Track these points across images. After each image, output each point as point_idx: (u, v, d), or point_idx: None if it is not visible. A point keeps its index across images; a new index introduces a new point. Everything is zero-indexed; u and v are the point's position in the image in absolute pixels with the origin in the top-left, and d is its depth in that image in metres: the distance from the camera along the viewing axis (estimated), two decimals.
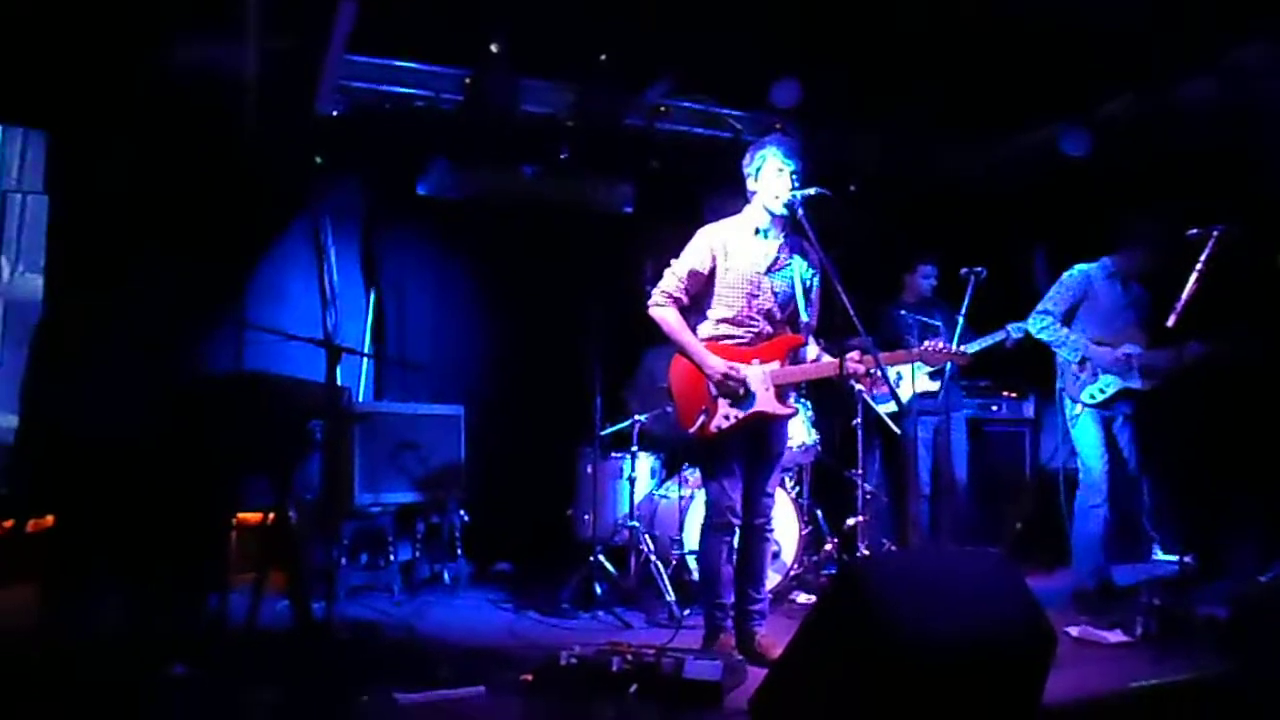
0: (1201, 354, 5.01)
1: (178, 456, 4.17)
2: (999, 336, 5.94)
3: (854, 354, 4.16)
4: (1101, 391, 5.21)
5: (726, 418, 4.22)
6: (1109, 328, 5.25)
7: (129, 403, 4.39)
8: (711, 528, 4.35)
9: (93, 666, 3.67)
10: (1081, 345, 5.26)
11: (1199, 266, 4.83)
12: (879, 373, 4.11)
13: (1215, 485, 5.48)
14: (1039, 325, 5.37)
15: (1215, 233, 4.78)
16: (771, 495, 4.46)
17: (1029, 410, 7.01)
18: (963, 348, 4.50)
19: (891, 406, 6.09)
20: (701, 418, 4.23)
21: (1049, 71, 5.77)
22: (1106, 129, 6.27)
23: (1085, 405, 5.24)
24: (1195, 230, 4.83)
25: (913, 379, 6.16)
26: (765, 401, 4.23)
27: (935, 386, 6.18)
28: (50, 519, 4.44)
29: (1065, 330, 5.31)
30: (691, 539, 5.40)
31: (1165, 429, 5.24)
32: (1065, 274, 5.43)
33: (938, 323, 6.08)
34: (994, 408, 6.99)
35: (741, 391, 4.21)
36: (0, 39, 4.97)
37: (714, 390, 4.23)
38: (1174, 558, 5.41)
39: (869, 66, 5.89)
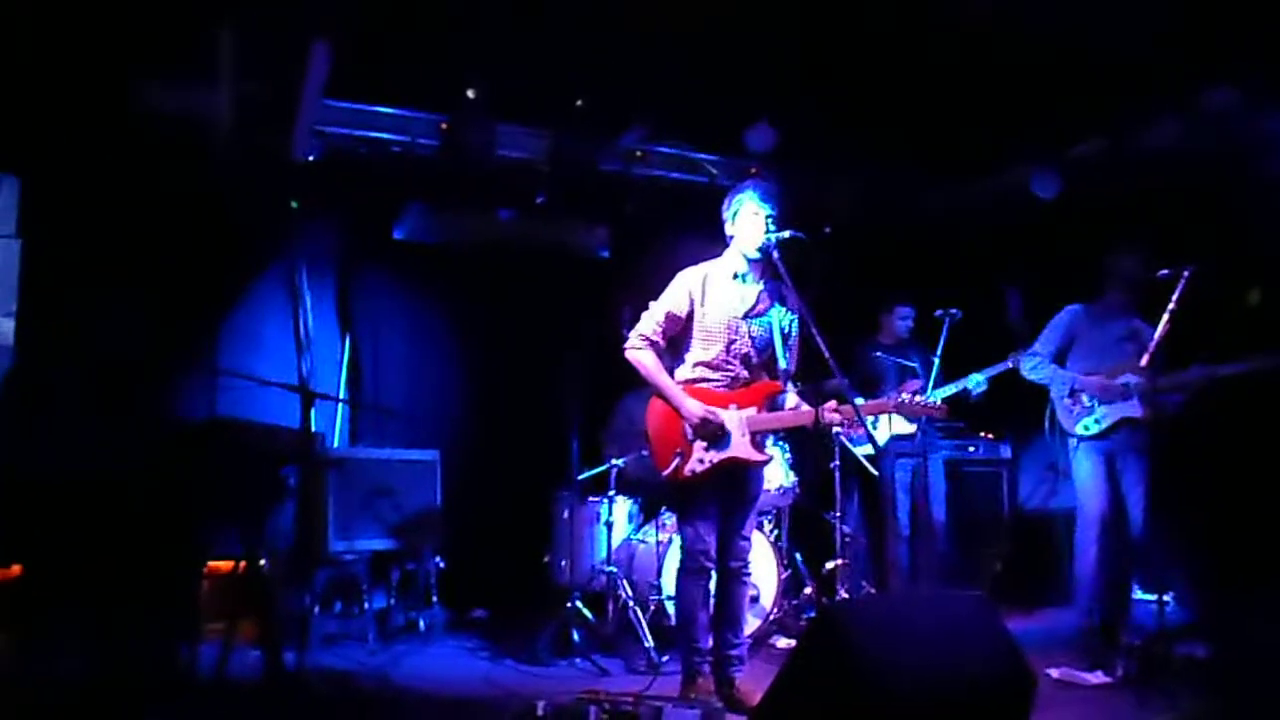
0: (1205, 375, 4.93)
1: (148, 503, 4.12)
2: (962, 385, 5.94)
3: (831, 404, 4.14)
4: (1097, 423, 5.12)
5: (701, 461, 4.21)
6: (1104, 362, 5.19)
7: (100, 449, 4.34)
8: (687, 572, 4.31)
9: (61, 717, 3.59)
10: (1069, 378, 5.24)
11: (1170, 306, 4.89)
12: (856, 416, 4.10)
13: (1203, 524, 5.47)
14: (1029, 365, 5.38)
15: (1186, 273, 4.84)
16: (748, 539, 4.43)
17: (1006, 451, 7.04)
18: (936, 400, 4.50)
19: (869, 449, 6.09)
20: (676, 460, 4.22)
21: (1021, 114, 5.86)
22: (1079, 171, 6.35)
23: (1081, 439, 5.17)
24: (1166, 270, 4.89)
25: (889, 421, 6.16)
26: (740, 447, 4.22)
27: (912, 429, 6.18)
28: (17, 568, 4.37)
29: (1053, 366, 5.30)
30: (670, 584, 5.35)
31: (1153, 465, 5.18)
32: (1057, 314, 5.44)
33: (914, 364, 6.11)
34: (971, 449, 7.01)
35: (716, 431, 4.19)
36: None
37: (690, 433, 4.22)
38: (1153, 596, 5.38)
39: (843, 110, 5.97)
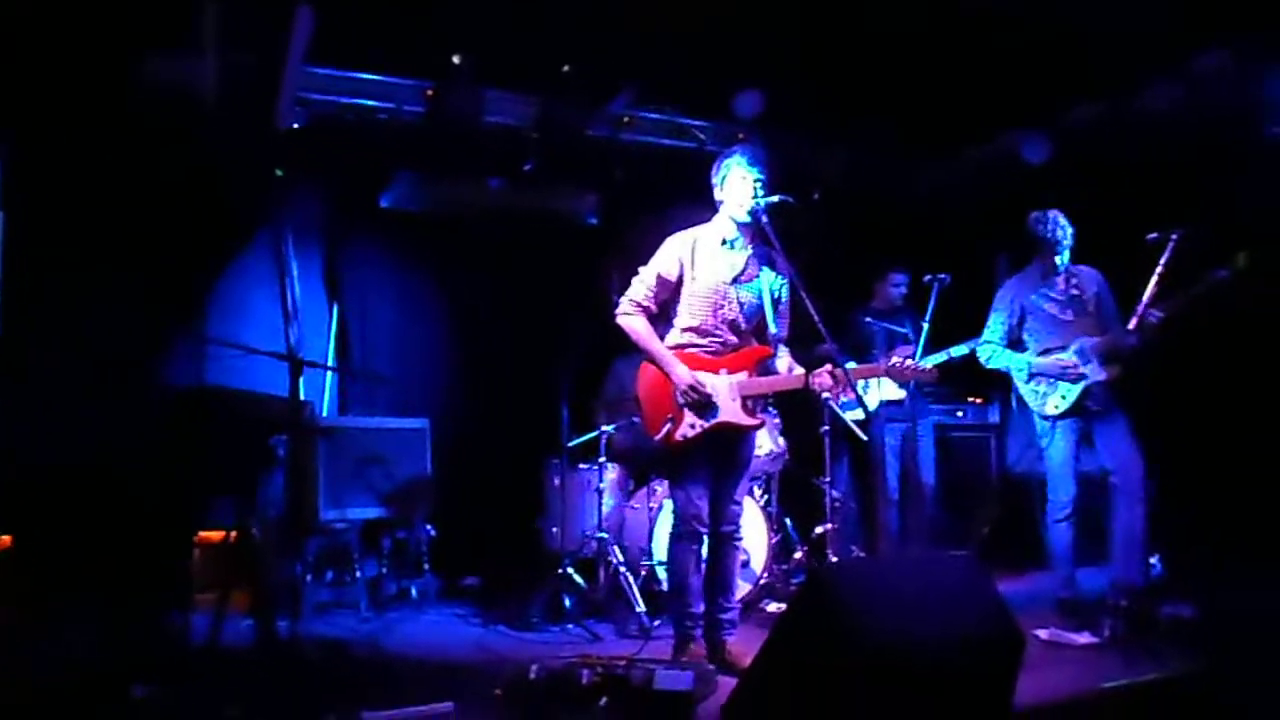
0: (1162, 318, 4.89)
1: (138, 474, 4.11)
2: (946, 354, 5.94)
3: (824, 368, 4.15)
4: (1064, 399, 5.09)
5: (692, 426, 4.21)
6: (1056, 332, 5.16)
7: (88, 420, 4.33)
8: (678, 536, 4.33)
9: (53, 688, 3.59)
10: (1024, 362, 5.20)
11: (1158, 270, 4.89)
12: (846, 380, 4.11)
13: (1182, 484, 5.50)
14: (984, 356, 5.35)
15: (1174, 237, 4.84)
16: (739, 503, 4.45)
17: (994, 416, 7.07)
18: (925, 363, 4.50)
19: (859, 413, 6.11)
20: (667, 425, 4.22)
21: (1013, 80, 5.82)
22: (1070, 137, 6.33)
23: (1053, 419, 5.14)
24: (1155, 234, 4.88)
25: (879, 386, 6.17)
26: (731, 412, 4.23)
27: (901, 394, 6.20)
28: (8, 539, 4.36)
29: (1006, 352, 5.27)
30: (661, 549, 5.38)
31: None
32: (995, 297, 5.40)
33: (905, 330, 6.12)
34: (959, 414, 7.04)
35: (704, 400, 4.20)
36: None
37: (680, 399, 4.22)
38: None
39: (833, 76, 5.93)
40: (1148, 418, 5.06)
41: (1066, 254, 5.18)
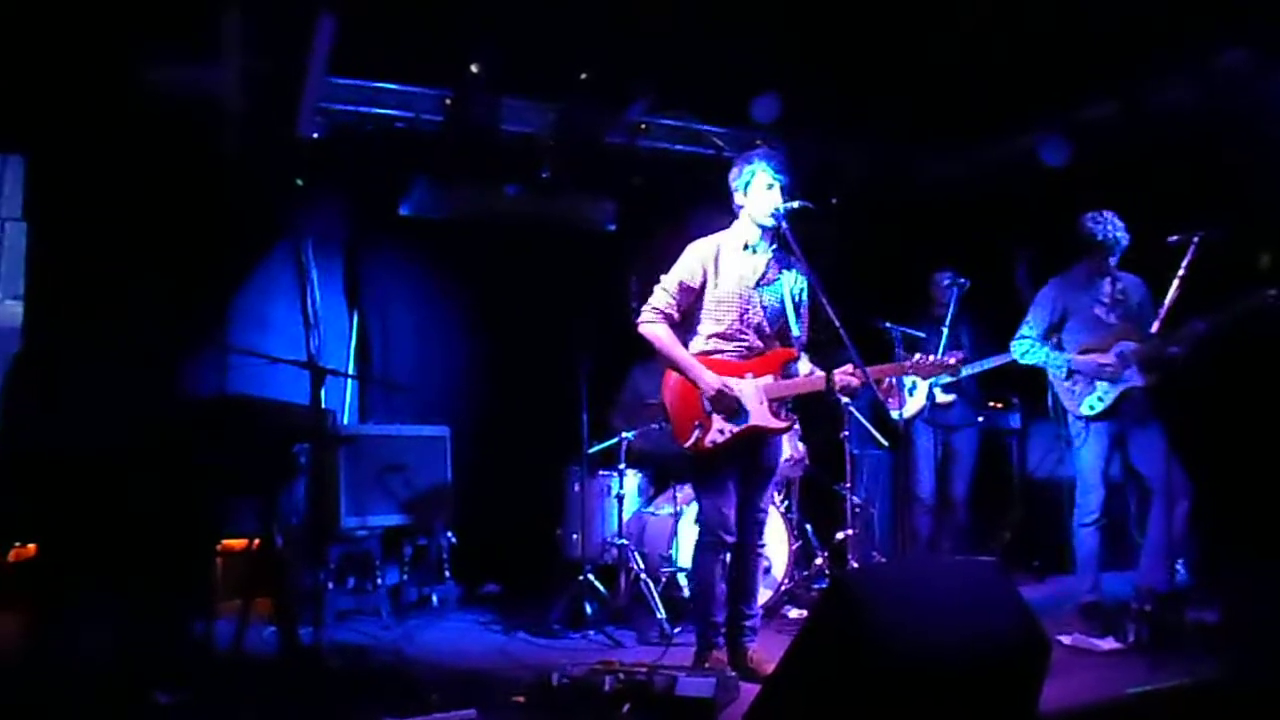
0: (1206, 329, 4.83)
1: (162, 482, 4.13)
2: (980, 365, 5.92)
3: (845, 368, 4.14)
4: (1100, 400, 5.05)
5: (721, 432, 4.20)
6: (1096, 332, 5.12)
7: (112, 428, 4.35)
8: (704, 546, 4.31)
9: (77, 695, 3.61)
10: (1064, 359, 5.16)
11: (1181, 272, 4.84)
12: (892, 383, 4.11)
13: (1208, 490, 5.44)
14: (1020, 350, 5.29)
15: (1196, 238, 4.80)
16: (765, 512, 4.45)
17: (1015, 421, 7.02)
18: (950, 357, 4.48)
19: (910, 409, 6.08)
20: (696, 432, 4.21)
21: (1030, 77, 5.79)
22: (1089, 134, 6.29)
23: (1088, 420, 5.09)
24: (1176, 236, 4.84)
25: (928, 393, 6.12)
26: (759, 415, 4.22)
27: (949, 399, 6.18)
28: (33, 547, 4.39)
29: (1044, 348, 5.22)
30: (681, 556, 5.38)
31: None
32: (1040, 292, 5.36)
33: (921, 334, 6.08)
34: (980, 419, 7.00)
35: (734, 405, 4.19)
36: None
37: (708, 405, 4.22)
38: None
39: (849, 78, 5.92)
40: (1181, 425, 5.00)
41: (1118, 257, 5.14)
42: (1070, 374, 5.15)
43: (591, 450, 5.79)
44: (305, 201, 6.26)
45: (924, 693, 2.79)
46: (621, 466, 5.73)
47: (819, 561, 5.98)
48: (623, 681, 3.70)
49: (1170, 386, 4.94)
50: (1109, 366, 5.03)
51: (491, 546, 6.38)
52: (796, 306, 4.38)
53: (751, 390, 4.23)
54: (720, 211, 4.44)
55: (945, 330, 5.67)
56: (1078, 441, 5.16)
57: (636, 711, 3.61)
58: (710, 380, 4.19)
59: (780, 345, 4.38)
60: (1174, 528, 4.92)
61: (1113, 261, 5.16)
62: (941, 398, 6.19)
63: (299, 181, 6.12)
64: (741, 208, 4.34)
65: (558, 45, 5.56)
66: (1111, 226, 5.08)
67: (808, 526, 6.12)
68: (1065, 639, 4.65)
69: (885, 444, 6.23)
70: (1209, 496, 5.06)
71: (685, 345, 4.32)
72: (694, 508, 5.34)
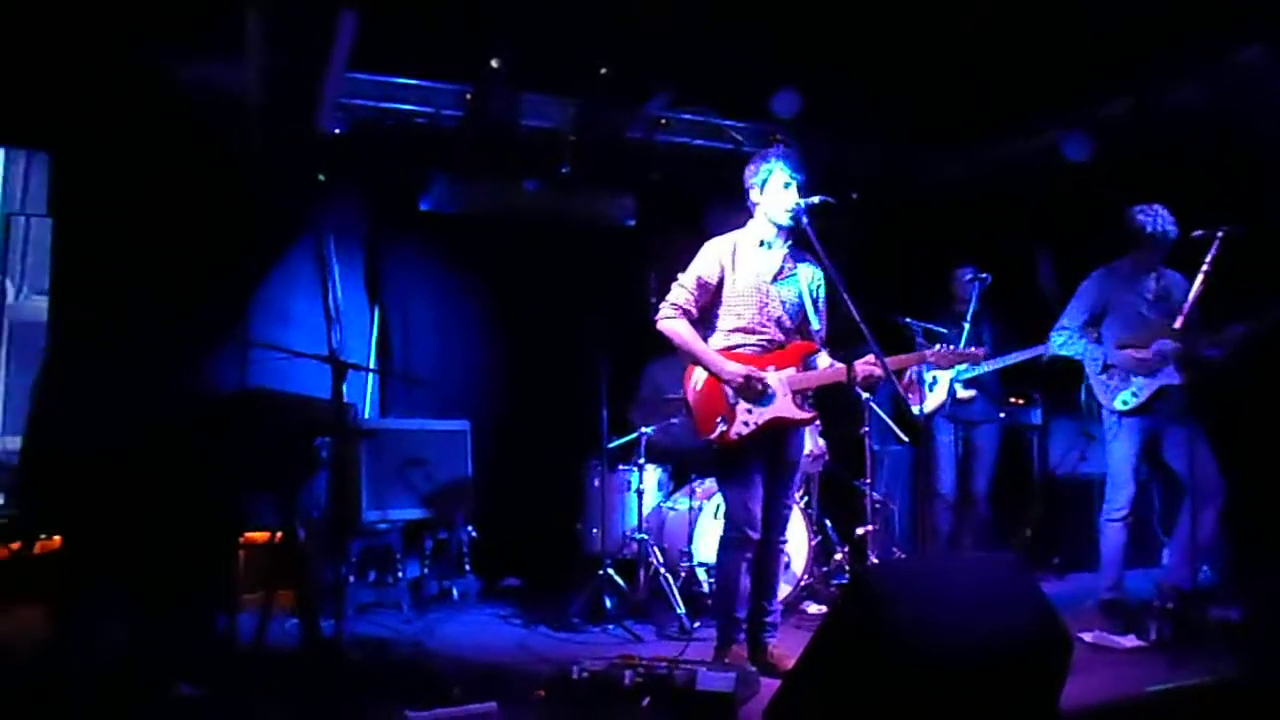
0: (1243, 334, 4.81)
1: (184, 476, 4.15)
2: (1016, 355, 5.89)
3: (867, 358, 4.13)
4: (1135, 395, 4.99)
5: (746, 424, 4.19)
6: (1136, 329, 5.06)
7: (135, 422, 4.38)
8: (729, 543, 4.30)
9: (100, 688, 3.64)
10: (1101, 352, 5.11)
11: (1204, 268, 4.80)
12: (913, 378, 4.09)
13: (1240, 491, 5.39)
14: (1058, 341, 5.24)
15: (1219, 234, 4.75)
16: (789, 508, 4.46)
17: (1036, 417, 6.98)
18: (974, 349, 4.47)
19: (930, 404, 6.07)
20: (721, 425, 4.21)
21: (1048, 75, 5.76)
22: (1109, 131, 6.25)
23: (1122, 415, 5.04)
24: (1200, 231, 4.80)
25: (949, 388, 6.10)
26: (784, 405, 4.21)
27: (970, 394, 6.16)
28: (57, 540, 4.43)
29: (1083, 341, 5.17)
30: (701, 550, 5.38)
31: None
32: (1082, 283, 5.29)
33: (942, 330, 6.06)
34: (1001, 415, 6.97)
35: (760, 388, 4.18)
36: (2, 62, 4.98)
37: (732, 396, 4.21)
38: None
39: (868, 74, 5.90)
40: (1216, 425, 4.96)
41: (1167, 252, 5.07)
42: (1106, 368, 5.11)
43: (611, 445, 5.80)
44: (326, 197, 6.27)
45: (944, 689, 2.79)
46: (641, 461, 5.73)
47: (839, 557, 5.97)
48: (643, 676, 3.71)
49: (1207, 387, 4.89)
50: (1145, 361, 4.99)
51: (511, 541, 6.40)
52: (815, 301, 4.38)
53: (775, 382, 4.22)
54: (739, 207, 4.43)
55: (967, 326, 5.65)
56: (1110, 436, 5.12)
57: (656, 706, 3.62)
58: (734, 369, 4.19)
59: (801, 339, 4.38)
60: (1204, 528, 4.87)
61: (1159, 256, 5.09)
62: (963, 393, 6.16)
63: (320, 177, 6.14)
64: (757, 205, 4.34)
65: (577, 40, 5.57)
66: (1161, 220, 5.00)
67: (827, 522, 6.11)
68: (1086, 636, 4.63)
69: (906, 439, 6.21)
70: (1240, 498, 5.01)
71: (706, 341, 4.32)
72: (713, 502, 5.35)
